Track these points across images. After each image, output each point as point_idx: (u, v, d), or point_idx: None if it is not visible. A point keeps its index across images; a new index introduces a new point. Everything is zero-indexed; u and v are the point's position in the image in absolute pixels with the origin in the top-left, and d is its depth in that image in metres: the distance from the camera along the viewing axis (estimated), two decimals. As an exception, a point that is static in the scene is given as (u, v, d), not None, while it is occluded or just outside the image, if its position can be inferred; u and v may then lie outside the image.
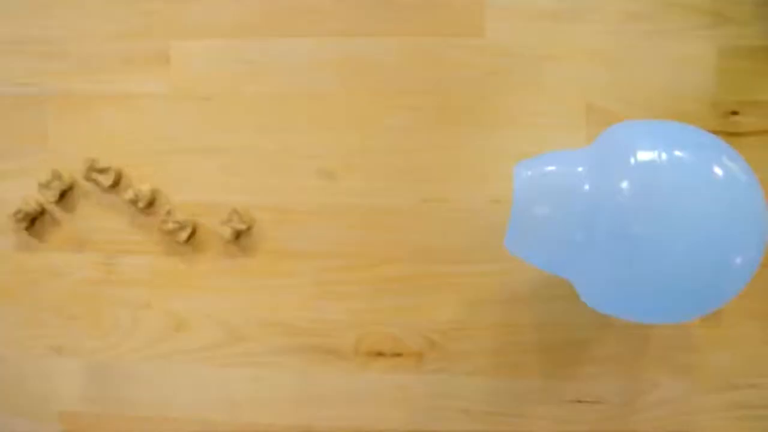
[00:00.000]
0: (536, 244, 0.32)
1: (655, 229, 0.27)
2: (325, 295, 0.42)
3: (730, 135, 0.40)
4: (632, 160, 0.28)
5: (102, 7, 0.43)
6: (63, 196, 0.42)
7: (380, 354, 0.42)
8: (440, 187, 0.41)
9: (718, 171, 0.28)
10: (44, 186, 0.41)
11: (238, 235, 0.41)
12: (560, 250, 0.31)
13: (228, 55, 0.43)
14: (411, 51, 0.42)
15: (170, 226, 0.40)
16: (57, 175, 0.41)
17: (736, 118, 0.40)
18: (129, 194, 0.41)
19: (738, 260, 0.28)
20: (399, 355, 0.42)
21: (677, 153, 0.28)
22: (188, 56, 0.43)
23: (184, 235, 0.40)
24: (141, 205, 0.41)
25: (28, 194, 0.43)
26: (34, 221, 0.43)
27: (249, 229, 0.40)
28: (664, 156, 0.28)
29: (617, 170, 0.28)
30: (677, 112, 0.40)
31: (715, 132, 0.38)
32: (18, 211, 0.41)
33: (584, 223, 0.29)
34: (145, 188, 0.41)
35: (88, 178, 0.42)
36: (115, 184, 0.42)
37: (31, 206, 0.41)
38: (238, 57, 0.43)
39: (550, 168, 0.31)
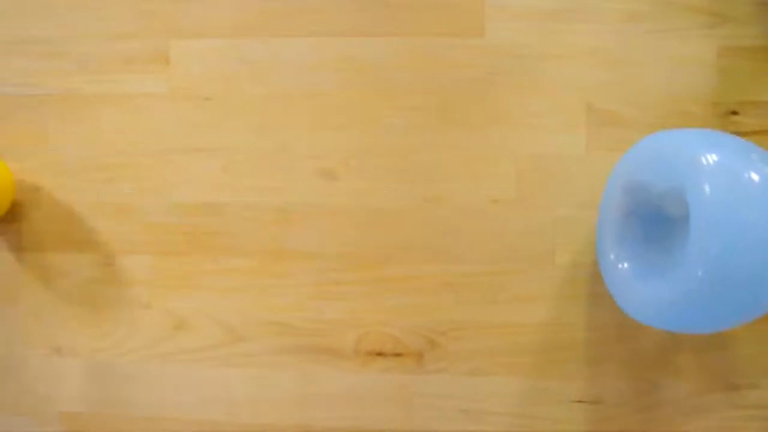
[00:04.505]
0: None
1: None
2: (325, 295, 0.42)
3: (730, 135, 0.40)
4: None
5: (102, 7, 0.43)
6: None
7: (380, 354, 0.42)
8: (440, 187, 0.41)
9: None
10: None
11: None
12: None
13: (228, 55, 0.43)
14: (411, 51, 0.42)
15: None
16: None
17: (736, 118, 0.40)
18: None
19: None
20: (399, 355, 0.42)
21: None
22: (188, 56, 0.43)
23: None
24: None
25: None
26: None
27: None
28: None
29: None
30: (677, 112, 0.40)
31: (715, 132, 0.38)
32: None
33: None
34: None
35: None
36: None
37: None
38: (238, 57, 0.43)
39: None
